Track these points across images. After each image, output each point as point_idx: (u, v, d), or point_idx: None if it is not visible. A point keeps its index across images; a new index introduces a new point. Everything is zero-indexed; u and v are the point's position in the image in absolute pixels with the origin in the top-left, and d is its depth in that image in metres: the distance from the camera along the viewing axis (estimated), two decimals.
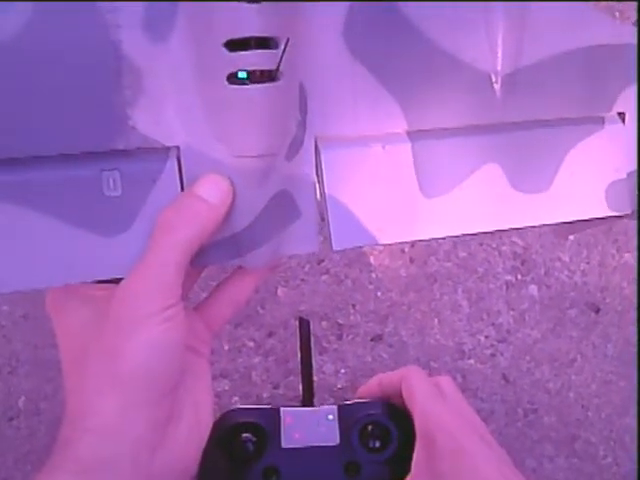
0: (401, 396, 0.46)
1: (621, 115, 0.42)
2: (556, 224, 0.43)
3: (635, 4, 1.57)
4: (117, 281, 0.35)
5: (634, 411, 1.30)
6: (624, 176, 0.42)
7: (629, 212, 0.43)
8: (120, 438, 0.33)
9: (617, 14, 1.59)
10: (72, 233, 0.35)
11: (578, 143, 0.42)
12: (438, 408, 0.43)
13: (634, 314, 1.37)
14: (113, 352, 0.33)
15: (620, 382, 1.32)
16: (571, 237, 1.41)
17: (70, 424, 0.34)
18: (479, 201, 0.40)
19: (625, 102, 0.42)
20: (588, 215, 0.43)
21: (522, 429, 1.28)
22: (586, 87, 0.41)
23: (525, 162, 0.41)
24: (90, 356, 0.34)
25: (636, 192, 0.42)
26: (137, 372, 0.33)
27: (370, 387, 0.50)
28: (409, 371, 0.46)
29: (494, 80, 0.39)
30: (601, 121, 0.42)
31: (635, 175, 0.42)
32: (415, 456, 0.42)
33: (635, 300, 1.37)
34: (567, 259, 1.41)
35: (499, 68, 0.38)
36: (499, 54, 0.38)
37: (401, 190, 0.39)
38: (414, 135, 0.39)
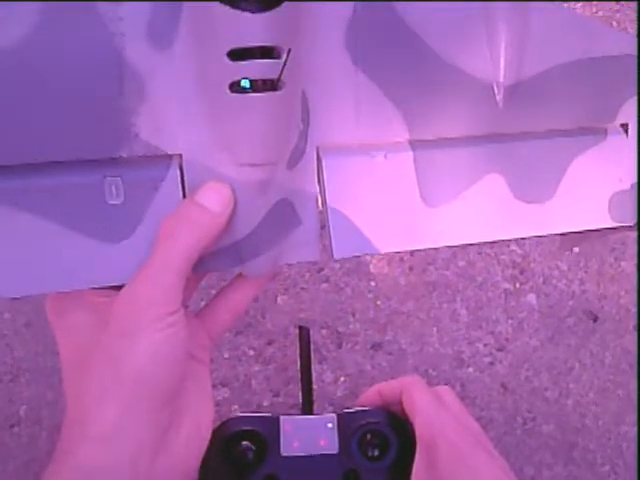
0: (401, 405, 0.46)
1: (624, 126, 0.42)
2: (559, 235, 0.43)
3: (632, 15, 1.57)
4: (118, 288, 0.35)
5: (632, 419, 1.30)
6: (627, 187, 0.42)
7: (632, 223, 0.43)
8: (120, 445, 0.33)
9: (614, 24, 1.60)
10: (74, 239, 0.35)
11: (581, 154, 0.42)
12: (439, 418, 0.42)
13: (632, 322, 1.37)
14: (114, 358, 0.33)
15: (618, 390, 1.32)
16: (576, 249, 1.41)
17: (70, 430, 0.34)
18: (481, 211, 0.40)
19: (628, 113, 0.42)
20: (591, 226, 0.42)
21: (521, 437, 1.28)
22: (589, 98, 0.41)
23: (528, 172, 0.41)
24: (91, 362, 0.34)
25: (636, 203, 0.42)
26: (138, 378, 0.33)
27: (370, 396, 0.50)
28: (409, 381, 0.46)
29: (496, 91, 0.39)
30: (604, 132, 0.42)
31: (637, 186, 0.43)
32: (415, 465, 0.42)
33: (635, 309, 1.37)
34: (565, 268, 1.41)
35: (501, 79, 0.38)
36: (501, 65, 0.38)
37: (402, 199, 0.39)
38: (416, 144, 0.39)
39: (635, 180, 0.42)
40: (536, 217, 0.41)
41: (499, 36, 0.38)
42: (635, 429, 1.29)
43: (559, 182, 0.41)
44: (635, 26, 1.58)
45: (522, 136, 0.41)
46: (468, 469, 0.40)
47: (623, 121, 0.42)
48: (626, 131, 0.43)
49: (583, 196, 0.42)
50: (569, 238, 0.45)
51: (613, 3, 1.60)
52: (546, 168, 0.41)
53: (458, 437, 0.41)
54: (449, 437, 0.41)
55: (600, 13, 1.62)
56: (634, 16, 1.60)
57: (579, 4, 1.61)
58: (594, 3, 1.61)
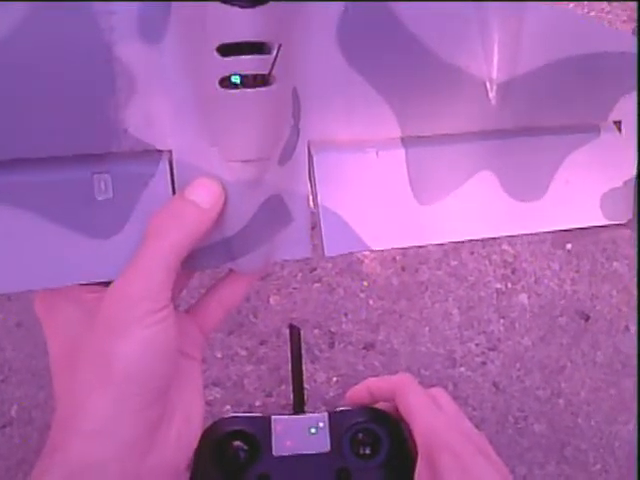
0: (391, 402, 0.46)
1: (617, 124, 0.42)
2: (551, 232, 0.43)
3: (624, 16, 1.58)
4: (107, 284, 0.34)
5: (624, 418, 1.30)
6: (620, 185, 0.42)
7: (624, 221, 0.43)
8: (110, 441, 0.32)
9: (606, 24, 1.60)
10: (63, 235, 0.34)
11: (574, 151, 0.41)
12: (440, 426, 0.42)
13: (623, 322, 1.38)
14: (103, 354, 0.33)
15: (609, 389, 1.33)
16: (568, 246, 1.42)
17: (60, 427, 0.34)
18: (473, 208, 0.40)
19: (621, 111, 0.42)
20: (583, 223, 0.42)
21: (512, 436, 1.29)
22: (582, 95, 0.41)
23: (520, 170, 0.41)
24: (80, 358, 0.34)
25: (635, 201, 0.42)
26: (128, 374, 0.33)
27: (358, 393, 0.50)
28: (403, 382, 0.46)
29: (489, 88, 0.39)
30: (597, 129, 0.42)
31: (632, 184, 0.42)
32: (417, 473, 0.42)
33: (627, 309, 1.38)
34: (557, 267, 1.41)
35: (494, 76, 0.38)
36: (494, 62, 0.38)
37: (394, 196, 0.39)
38: (408, 141, 0.39)
39: (628, 177, 0.42)
40: (528, 215, 0.41)
41: (492, 33, 0.38)
42: (634, 426, 1.29)
43: (552, 179, 0.41)
44: (626, 27, 1.59)
45: (515, 133, 0.40)
46: (470, 478, 0.40)
47: (616, 118, 0.42)
48: (619, 129, 0.42)
49: (576, 193, 0.42)
50: (561, 235, 0.44)
51: (605, 4, 1.61)
52: (539, 165, 0.41)
53: (458, 444, 0.41)
54: (451, 447, 0.41)
55: (592, 14, 1.62)
56: (626, 17, 1.60)
57: (571, 4, 1.62)
58: (585, 4, 1.62)
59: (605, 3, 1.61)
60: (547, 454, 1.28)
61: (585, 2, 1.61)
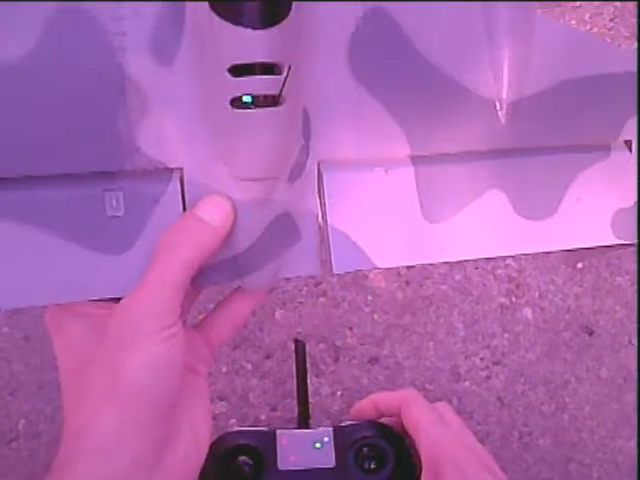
0: (396, 417, 0.46)
1: (627, 143, 0.42)
2: (562, 251, 0.43)
3: (625, 32, 1.59)
4: (117, 300, 0.35)
5: (628, 433, 1.30)
6: (630, 204, 0.42)
7: (635, 241, 0.42)
8: (118, 457, 0.32)
9: (608, 40, 1.61)
10: (74, 251, 0.35)
11: (584, 170, 0.41)
12: (444, 441, 0.42)
13: (627, 336, 1.37)
14: (112, 370, 0.33)
15: (613, 404, 1.32)
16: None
17: (68, 442, 0.34)
18: (482, 227, 0.40)
19: (631, 130, 0.42)
20: (593, 243, 0.42)
21: (517, 451, 1.28)
22: (592, 115, 0.41)
23: (530, 189, 0.41)
24: (89, 374, 0.34)
25: (636, 221, 0.42)
26: (136, 391, 0.32)
27: (363, 407, 0.50)
28: (408, 396, 0.46)
29: (499, 107, 0.39)
30: (607, 149, 0.42)
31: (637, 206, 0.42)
32: None
33: (630, 323, 1.38)
34: (561, 282, 1.41)
35: (504, 96, 0.38)
36: (504, 82, 0.38)
37: (403, 214, 0.39)
38: (417, 160, 0.39)
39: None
40: (538, 234, 0.41)
41: (502, 53, 0.38)
42: (635, 442, 1.29)
43: (562, 198, 0.41)
44: (629, 43, 1.59)
45: (524, 152, 0.40)
46: None
47: (627, 138, 0.42)
48: (630, 148, 0.42)
49: (586, 213, 0.42)
50: (573, 254, 0.44)
51: (607, 20, 1.61)
52: (548, 184, 0.41)
53: (463, 459, 0.41)
54: (454, 460, 0.41)
55: (595, 30, 1.63)
56: (627, 33, 1.61)
57: (574, 20, 1.62)
58: (588, 21, 1.62)
59: (607, 19, 1.62)
60: (551, 469, 1.27)
61: (588, 19, 1.61)
